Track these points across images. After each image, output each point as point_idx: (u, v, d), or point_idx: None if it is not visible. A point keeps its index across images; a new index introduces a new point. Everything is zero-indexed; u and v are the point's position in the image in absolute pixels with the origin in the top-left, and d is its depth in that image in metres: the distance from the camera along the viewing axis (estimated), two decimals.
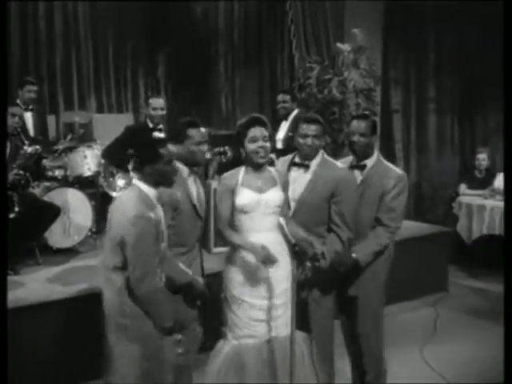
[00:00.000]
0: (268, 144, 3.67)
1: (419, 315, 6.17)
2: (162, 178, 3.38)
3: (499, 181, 7.66)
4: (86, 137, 7.44)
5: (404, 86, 9.87)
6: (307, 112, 7.29)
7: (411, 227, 6.95)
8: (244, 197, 3.67)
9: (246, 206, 3.66)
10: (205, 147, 3.88)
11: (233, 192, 3.70)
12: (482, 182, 8.06)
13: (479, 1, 8.35)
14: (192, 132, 3.82)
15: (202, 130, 3.88)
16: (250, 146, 3.65)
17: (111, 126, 7.84)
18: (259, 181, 3.71)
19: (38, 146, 5.74)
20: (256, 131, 3.64)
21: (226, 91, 10.04)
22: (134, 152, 3.59)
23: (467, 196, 8.01)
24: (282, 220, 3.51)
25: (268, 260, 3.53)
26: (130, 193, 3.38)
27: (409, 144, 9.92)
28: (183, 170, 3.82)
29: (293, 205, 3.91)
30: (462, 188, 8.21)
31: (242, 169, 3.76)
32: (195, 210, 3.82)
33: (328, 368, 4.08)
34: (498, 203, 7.45)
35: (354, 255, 3.95)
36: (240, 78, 10.09)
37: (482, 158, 8.17)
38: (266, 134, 3.67)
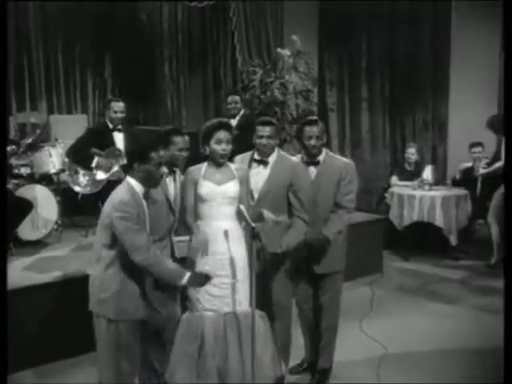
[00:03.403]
0: (230, 146, 4.10)
1: (357, 294, 6.59)
2: (148, 178, 3.76)
3: (427, 173, 8.25)
4: (43, 136, 7.67)
5: (338, 87, 10.38)
6: (252, 112, 7.73)
7: None
8: (204, 187, 4.10)
9: (205, 195, 4.09)
10: (186, 153, 4.27)
11: (196, 184, 4.14)
12: (412, 174, 8.50)
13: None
14: (176, 139, 4.24)
15: (185, 137, 4.28)
16: (215, 147, 4.07)
17: (67, 126, 8.25)
18: (218, 174, 4.14)
19: (14, 146, 6.02)
20: (221, 134, 4.06)
21: (171, 91, 10.33)
22: (130, 151, 4.02)
23: (398, 187, 8.43)
24: (242, 207, 3.98)
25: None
26: (122, 186, 3.77)
27: (344, 140, 10.42)
28: (163, 168, 4.19)
29: (256, 195, 4.38)
30: (394, 180, 8.70)
31: (205, 164, 4.19)
32: (169, 204, 4.20)
33: (286, 341, 4.58)
34: (426, 193, 8.00)
35: (324, 233, 4.44)
36: (184, 78, 10.42)
37: (411, 153, 8.60)
38: (230, 137, 4.10)
